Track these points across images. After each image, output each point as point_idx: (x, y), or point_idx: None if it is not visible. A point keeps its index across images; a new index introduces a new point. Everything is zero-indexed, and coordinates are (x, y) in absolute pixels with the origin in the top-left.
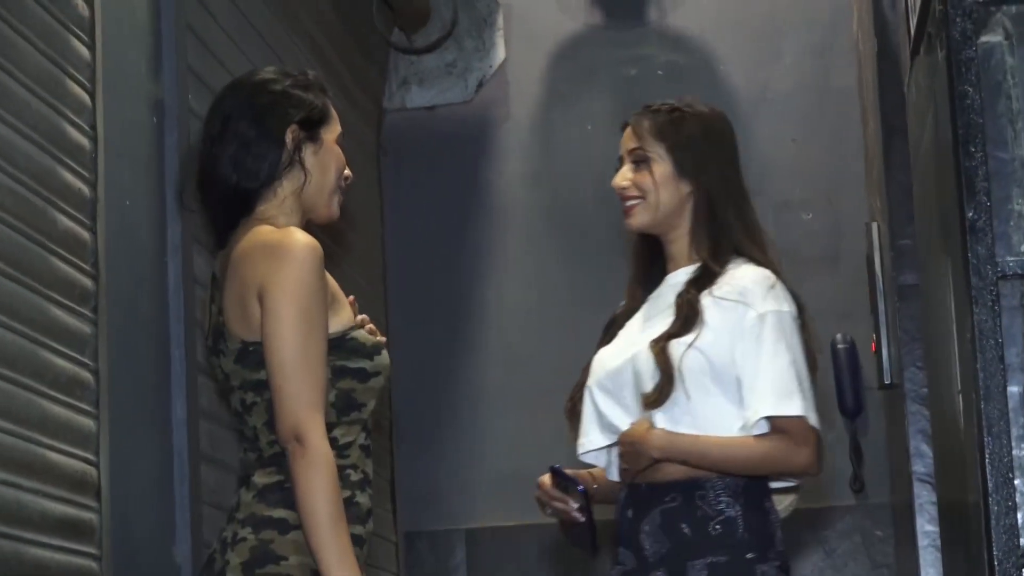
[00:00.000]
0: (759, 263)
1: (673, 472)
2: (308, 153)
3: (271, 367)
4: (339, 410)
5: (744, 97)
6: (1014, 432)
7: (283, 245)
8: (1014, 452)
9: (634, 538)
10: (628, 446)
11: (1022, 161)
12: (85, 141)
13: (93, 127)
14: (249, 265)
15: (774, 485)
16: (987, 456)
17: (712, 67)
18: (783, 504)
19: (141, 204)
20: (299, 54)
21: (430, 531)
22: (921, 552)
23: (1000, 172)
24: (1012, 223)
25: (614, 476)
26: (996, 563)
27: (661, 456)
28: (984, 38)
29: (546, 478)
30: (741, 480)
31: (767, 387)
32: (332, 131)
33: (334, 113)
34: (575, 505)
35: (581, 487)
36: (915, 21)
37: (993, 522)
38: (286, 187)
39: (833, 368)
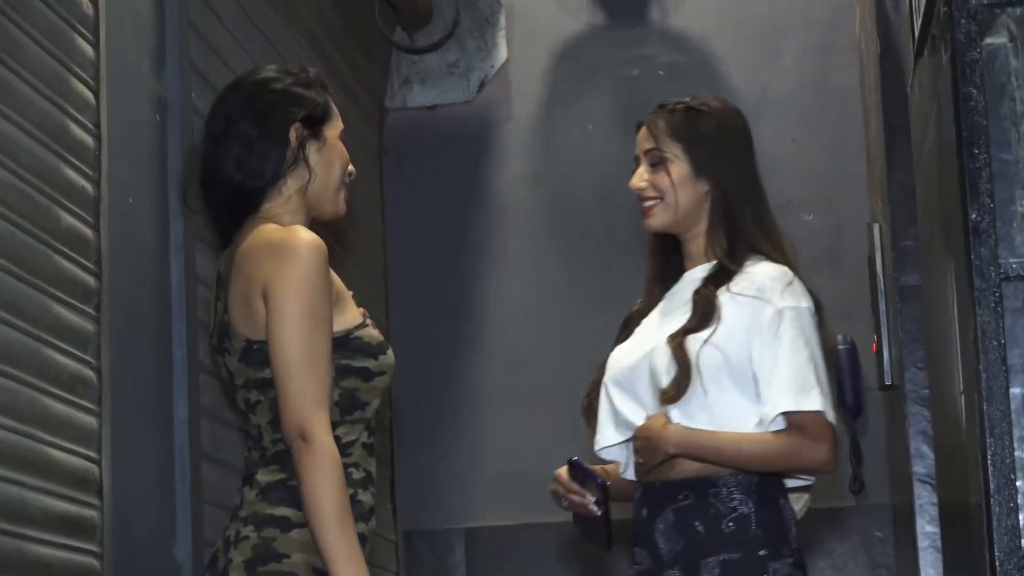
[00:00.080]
0: (776, 261)
1: (686, 470)
2: (312, 151)
3: (276, 365)
4: (342, 409)
5: (745, 97)
6: (1016, 433)
7: (287, 243)
8: (1016, 453)
9: (649, 537)
10: (644, 441)
11: None
12: (89, 139)
13: (97, 125)
14: (254, 263)
15: (788, 485)
16: (989, 457)
17: (713, 67)
18: (798, 505)
19: (144, 202)
20: (301, 52)
21: (429, 530)
22: (921, 553)
23: (1003, 174)
24: (1015, 225)
25: (630, 475)
26: (998, 564)
27: (677, 452)
28: (988, 40)
29: (563, 470)
30: (754, 477)
31: (785, 383)
32: (335, 128)
33: (335, 110)
34: (592, 498)
35: (600, 480)
36: (919, 22)
37: (995, 523)
38: (291, 185)
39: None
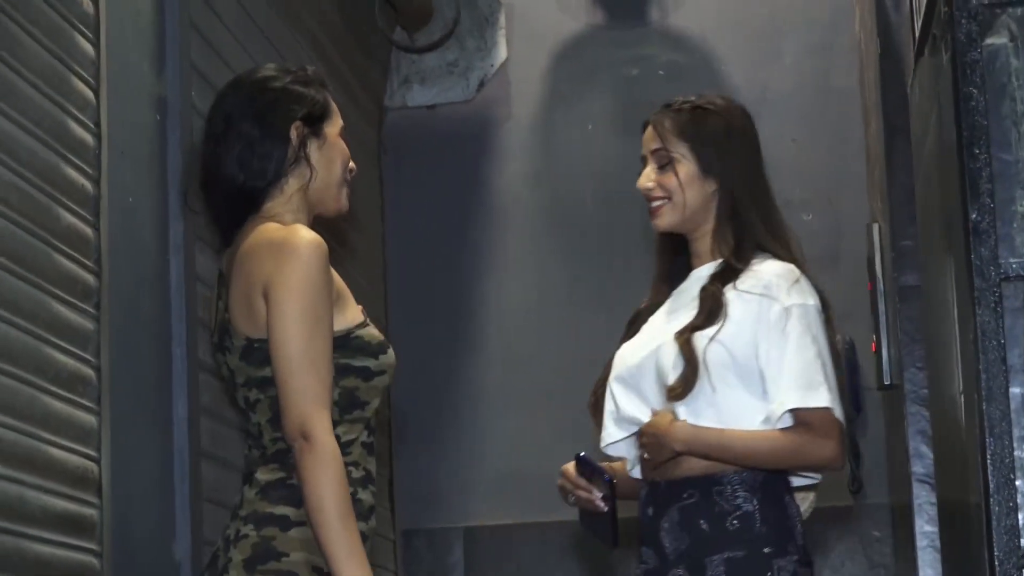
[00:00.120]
0: (783, 259)
1: (691, 468)
2: (313, 149)
3: (277, 364)
4: (342, 408)
5: (744, 97)
6: (1016, 433)
7: (288, 243)
8: (1016, 453)
9: (655, 536)
10: (651, 437)
11: None
12: (89, 138)
13: (97, 124)
14: (255, 262)
15: (793, 484)
16: (989, 457)
17: (713, 67)
18: (804, 505)
19: (144, 201)
20: (301, 52)
21: (428, 529)
22: (920, 552)
23: (1004, 174)
24: (1015, 225)
25: (637, 474)
26: (997, 564)
27: (684, 449)
28: (989, 40)
29: (571, 466)
30: (759, 475)
31: (793, 380)
32: (334, 125)
33: (335, 107)
34: (599, 494)
35: (607, 476)
36: (920, 22)
37: (994, 523)
38: (292, 184)
39: None
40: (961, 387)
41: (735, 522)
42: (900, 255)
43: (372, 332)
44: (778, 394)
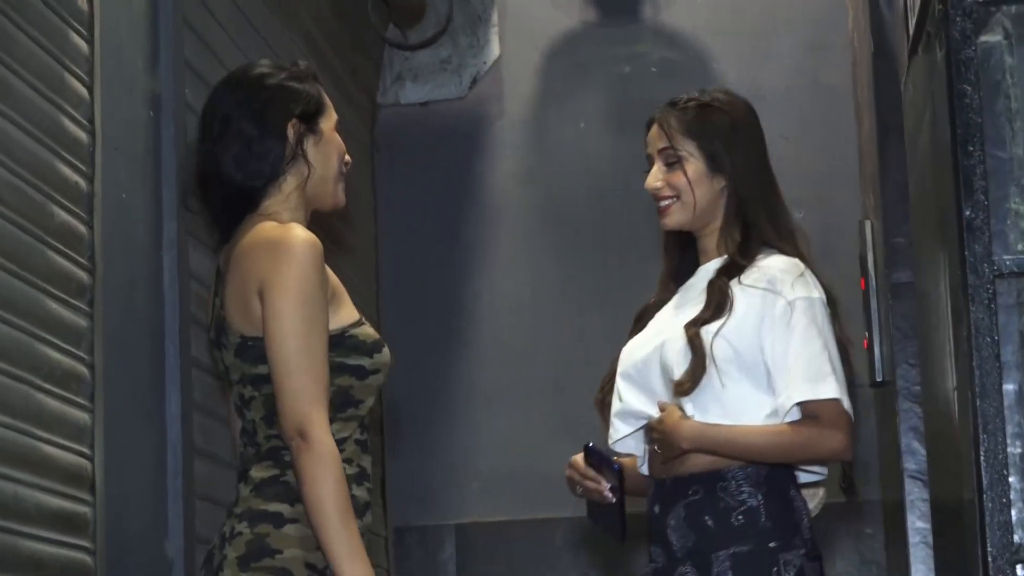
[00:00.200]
0: (788, 254)
1: (696, 464)
2: (310, 145)
3: (273, 363)
4: (335, 407)
5: None
6: (1009, 430)
7: (284, 242)
8: (1009, 449)
9: (662, 534)
10: (660, 434)
11: (1020, 160)
12: (83, 135)
13: (91, 121)
14: (250, 261)
15: (800, 480)
16: (982, 453)
17: (706, 65)
18: (813, 502)
19: (138, 199)
20: (295, 49)
21: (420, 526)
22: (912, 549)
23: (998, 171)
24: (1009, 222)
25: (647, 470)
26: (990, 559)
27: (691, 447)
28: (984, 38)
29: (579, 457)
30: (763, 469)
31: (800, 372)
32: (329, 119)
33: (328, 101)
34: (607, 485)
35: (616, 465)
36: (914, 20)
37: (988, 519)
38: (290, 182)
39: None
40: (954, 383)
41: (740, 517)
42: (893, 252)
43: (367, 331)
44: (786, 387)
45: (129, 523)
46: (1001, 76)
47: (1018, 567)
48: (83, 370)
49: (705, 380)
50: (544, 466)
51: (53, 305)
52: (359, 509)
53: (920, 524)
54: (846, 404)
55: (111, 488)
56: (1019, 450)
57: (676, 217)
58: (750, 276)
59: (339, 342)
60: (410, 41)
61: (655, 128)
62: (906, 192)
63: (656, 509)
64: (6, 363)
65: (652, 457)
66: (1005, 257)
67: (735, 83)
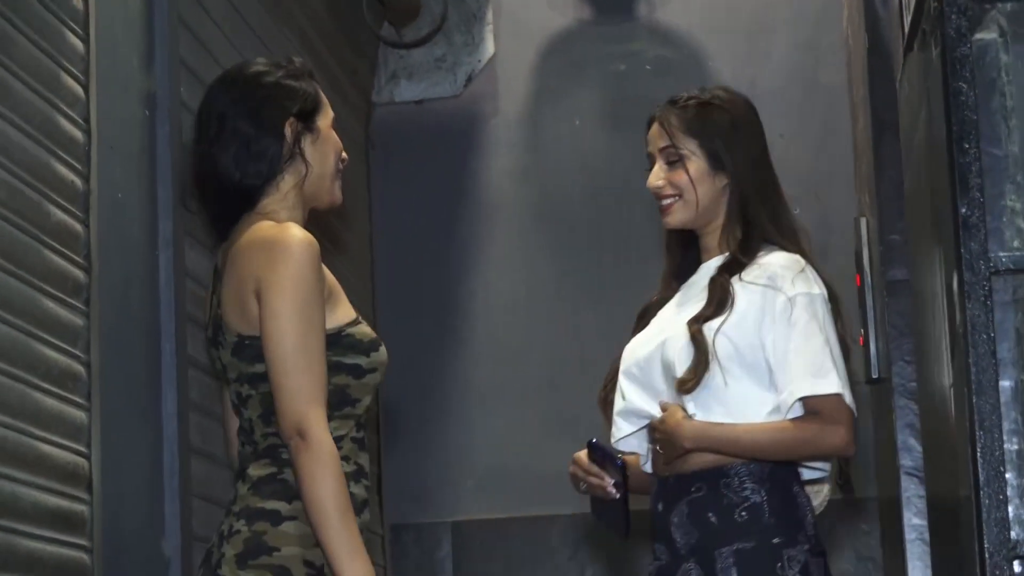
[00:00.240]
0: (789, 250)
1: (699, 461)
2: (307, 144)
3: (271, 363)
4: (332, 405)
5: None
6: (1006, 426)
7: (280, 241)
8: (1005, 446)
9: (666, 531)
10: (662, 435)
11: (1015, 157)
12: (78, 134)
13: (87, 120)
14: (247, 261)
15: (804, 477)
16: (979, 450)
17: (701, 62)
18: (818, 499)
19: (133, 197)
20: (289, 47)
21: (416, 524)
22: (908, 545)
23: (993, 168)
24: (1005, 219)
25: (650, 468)
26: (987, 556)
27: (694, 446)
28: (979, 35)
29: (582, 453)
30: (766, 465)
31: (801, 368)
32: (326, 117)
33: (324, 98)
34: (611, 480)
35: (619, 461)
36: (909, 18)
37: (984, 515)
38: (288, 181)
39: None
40: (951, 381)
41: (743, 514)
42: (888, 249)
43: (364, 330)
44: (788, 383)
45: (126, 522)
46: (996, 74)
47: (1015, 563)
48: (79, 369)
49: (707, 377)
50: (539, 464)
51: (49, 304)
52: (357, 506)
53: (916, 521)
54: (848, 399)
55: (108, 487)
56: (1015, 446)
57: (678, 216)
58: (751, 273)
59: (336, 341)
60: (405, 39)
61: (655, 127)
62: (901, 189)
63: (659, 507)
64: (3, 362)
65: (655, 456)
66: (1001, 254)
67: (730, 81)
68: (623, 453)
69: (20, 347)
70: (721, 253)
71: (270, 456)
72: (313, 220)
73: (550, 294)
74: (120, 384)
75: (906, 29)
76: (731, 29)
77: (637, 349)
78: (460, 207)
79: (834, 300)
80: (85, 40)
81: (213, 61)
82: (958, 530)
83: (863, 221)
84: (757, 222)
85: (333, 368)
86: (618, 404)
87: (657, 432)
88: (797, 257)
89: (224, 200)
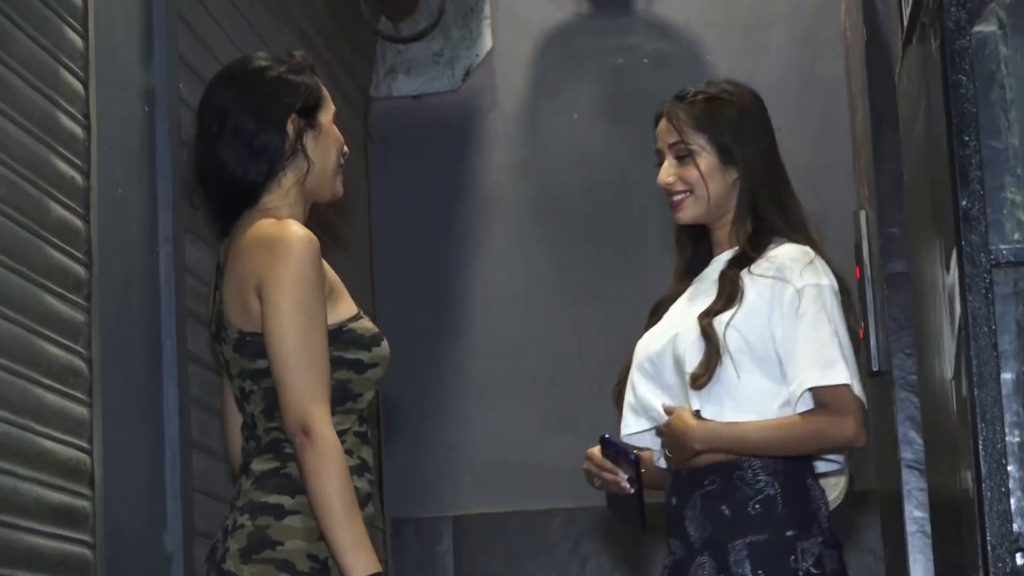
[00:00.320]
0: (798, 242)
1: (712, 455)
2: (309, 140)
3: (274, 361)
4: (334, 400)
5: None
6: (1007, 419)
7: (280, 239)
8: (1007, 439)
9: (680, 525)
10: (671, 439)
11: (1015, 150)
12: (78, 131)
13: (86, 116)
14: (247, 259)
15: (818, 470)
16: (980, 443)
17: (699, 56)
18: (835, 492)
19: (133, 194)
20: (288, 42)
21: (417, 518)
22: (909, 538)
23: (993, 161)
24: (1005, 211)
25: (663, 464)
26: (989, 549)
27: (704, 448)
28: (978, 28)
29: (595, 449)
30: (780, 458)
31: (809, 359)
32: (328, 112)
33: (326, 92)
34: (625, 476)
35: (632, 456)
36: (908, 11)
37: (987, 508)
38: (290, 177)
39: None
40: (952, 373)
41: (757, 506)
42: (888, 242)
43: (365, 325)
44: (796, 375)
45: (128, 517)
46: (996, 66)
47: (1017, 555)
48: (81, 365)
49: (719, 371)
50: (539, 458)
51: (50, 300)
52: (361, 500)
53: (918, 514)
54: (857, 390)
55: (109, 482)
56: (1017, 439)
57: (690, 211)
58: (760, 265)
59: (337, 336)
60: (402, 34)
61: (663, 123)
62: (900, 182)
63: (673, 501)
64: (4, 358)
65: (668, 459)
66: (1002, 247)
67: (728, 74)
68: (637, 448)
69: (21, 343)
70: (731, 247)
71: (273, 451)
72: (312, 215)
73: (548, 288)
74: (121, 380)
75: (905, 22)
76: (729, 23)
77: (650, 344)
78: (458, 201)
79: (844, 291)
80: (84, 37)
81: (212, 57)
82: (960, 523)
83: (862, 214)
84: (767, 215)
85: (335, 363)
86: (628, 399)
87: (666, 437)
88: (806, 249)
89: (226, 197)
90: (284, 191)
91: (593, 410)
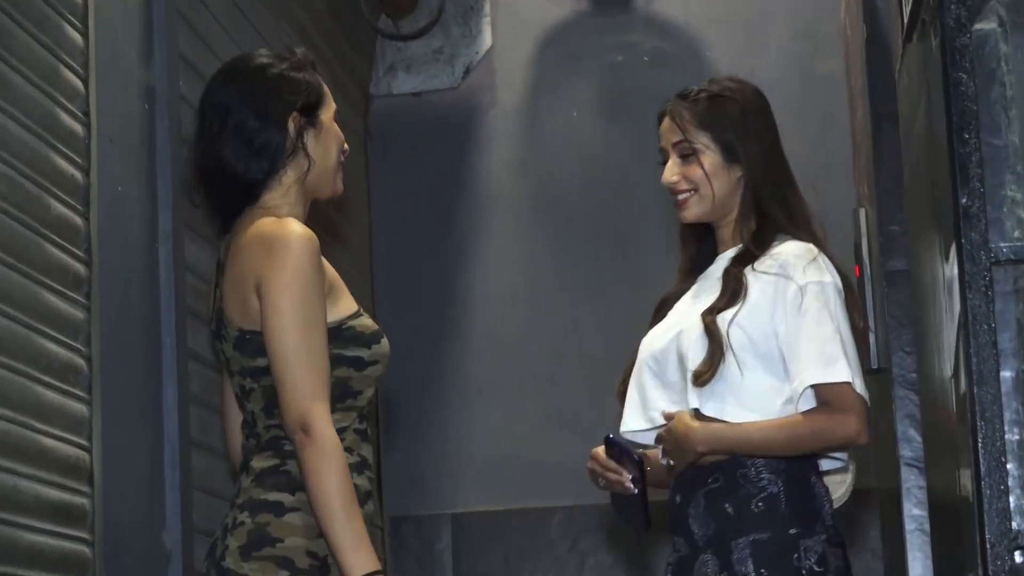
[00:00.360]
0: (802, 239)
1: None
2: (310, 138)
3: (273, 360)
4: (334, 397)
5: None
6: (1007, 416)
7: (280, 238)
8: (1007, 436)
9: (684, 523)
10: (672, 443)
11: (1015, 148)
12: (78, 128)
13: (86, 114)
14: (247, 257)
15: (823, 467)
16: (980, 440)
17: (698, 54)
18: (841, 490)
19: (133, 191)
20: (288, 40)
21: (416, 516)
22: (908, 536)
23: (993, 158)
24: (1005, 209)
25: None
26: (988, 546)
27: (706, 450)
28: (978, 25)
29: (600, 449)
30: (783, 456)
31: (811, 356)
32: (329, 110)
33: (327, 90)
34: (629, 476)
35: (637, 456)
36: (908, 8)
37: (986, 506)
38: (291, 175)
39: None
40: (951, 371)
41: (760, 504)
42: (888, 240)
43: (365, 322)
44: (798, 372)
45: (127, 515)
46: (996, 64)
47: (1016, 553)
48: (80, 362)
49: (723, 369)
50: (537, 455)
51: (50, 297)
52: (360, 498)
53: (917, 512)
54: (859, 388)
55: (109, 480)
56: (1017, 437)
57: (694, 210)
58: (764, 263)
59: (337, 334)
60: (402, 31)
61: (667, 121)
62: (900, 180)
63: (677, 499)
64: (4, 356)
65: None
66: (1002, 245)
67: (728, 72)
68: (641, 447)
69: (21, 341)
70: (736, 244)
71: (273, 448)
72: (312, 213)
73: (548, 286)
74: (121, 377)
75: (905, 19)
76: (728, 20)
77: (654, 341)
78: (458, 199)
79: (848, 289)
80: (84, 34)
81: (212, 55)
82: (959, 521)
83: (862, 212)
84: (771, 212)
85: (335, 361)
86: (630, 398)
87: (666, 443)
88: (810, 246)
89: (226, 194)
90: (284, 189)
91: (592, 408)
